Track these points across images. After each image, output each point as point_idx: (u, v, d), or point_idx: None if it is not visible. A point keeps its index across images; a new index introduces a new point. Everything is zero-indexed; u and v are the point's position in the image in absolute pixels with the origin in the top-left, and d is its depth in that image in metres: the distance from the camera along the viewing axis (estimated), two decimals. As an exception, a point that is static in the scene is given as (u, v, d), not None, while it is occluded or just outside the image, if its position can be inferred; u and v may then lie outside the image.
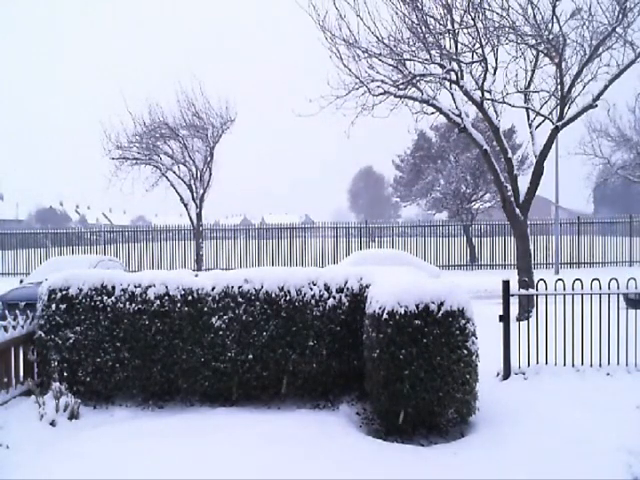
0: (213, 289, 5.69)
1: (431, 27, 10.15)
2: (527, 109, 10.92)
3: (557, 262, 21.87)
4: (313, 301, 5.60)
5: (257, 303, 5.61)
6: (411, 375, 4.64)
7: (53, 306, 5.68)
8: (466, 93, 10.41)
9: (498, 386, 6.04)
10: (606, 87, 10.14)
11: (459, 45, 10.27)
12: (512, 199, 10.74)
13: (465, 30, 10.17)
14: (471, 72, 10.49)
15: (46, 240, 25.94)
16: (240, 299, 5.63)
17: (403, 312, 4.66)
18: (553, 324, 6.44)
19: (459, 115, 10.77)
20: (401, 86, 10.62)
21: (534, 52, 10.46)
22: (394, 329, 4.66)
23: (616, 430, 4.65)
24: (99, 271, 6.21)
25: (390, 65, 10.60)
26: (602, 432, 4.61)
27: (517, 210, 10.72)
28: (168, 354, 5.61)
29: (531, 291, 7.03)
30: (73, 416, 5.20)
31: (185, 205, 21.65)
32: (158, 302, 5.63)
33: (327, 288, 5.66)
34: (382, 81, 10.63)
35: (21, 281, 12.07)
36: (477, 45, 10.12)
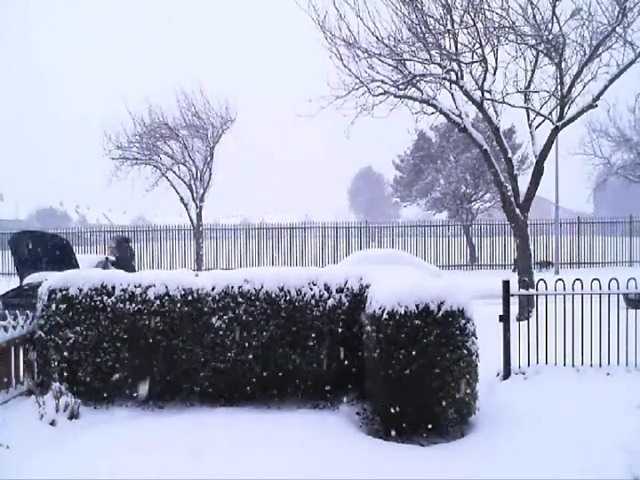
0: (213, 289, 5.69)
1: (431, 27, 10.15)
2: (527, 109, 10.92)
3: (557, 262, 21.87)
4: (313, 301, 5.60)
5: (257, 303, 5.60)
6: (411, 375, 4.64)
7: (53, 306, 5.67)
8: (466, 93, 10.41)
9: (498, 386, 6.04)
10: (606, 87, 10.14)
11: (459, 45, 10.27)
12: (512, 199, 10.74)
13: (465, 30, 10.18)
14: (471, 72, 10.49)
15: (46, 240, 25.87)
16: (240, 299, 5.63)
17: (403, 312, 4.66)
18: (553, 324, 6.44)
19: (459, 115, 10.77)
20: (401, 86, 10.63)
21: (534, 52, 10.47)
22: (394, 329, 4.66)
23: (616, 430, 4.65)
24: (99, 271, 6.21)
25: (390, 65, 10.61)
26: (602, 432, 4.61)
27: (517, 210, 10.72)
28: (168, 354, 5.61)
29: (531, 291, 7.03)
30: (73, 416, 5.20)
31: (185, 205, 21.67)
32: (158, 302, 5.62)
33: (327, 288, 5.66)
34: (382, 81, 10.65)
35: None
36: (477, 45, 10.13)
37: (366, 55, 10.48)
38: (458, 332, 4.71)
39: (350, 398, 5.62)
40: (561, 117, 10.59)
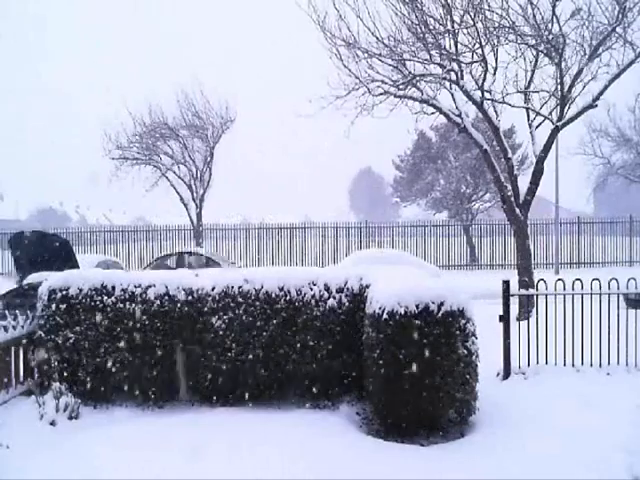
0: (213, 289, 5.69)
1: (431, 27, 10.17)
2: (527, 109, 10.92)
3: (557, 262, 21.87)
4: (313, 301, 5.60)
5: (257, 303, 5.60)
6: (411, 375, 4.64)
7: (53, 306, 5.67)
8: (466, 93, 10.41)
9: (498, 386, 6.04)
10: (606, 87, 10.14)
11: (459, 45, 10.28)
12: (512, 199, 10.74)
13: (465, 30, 10.18)
14: (471, 72, 10.50)
15: (46, 240, 25.84)
16: (240, 299, 5.63)
17: (403, 312, 4.66)
18: (553, 324, 6.43)
19: (459, 115, 10.77)
20: (401, 86, 10.64)
21: (534, 52, 10.47)
22: (394, 329, 4.67)
23: (616, 430, 4.65)
24: (99, 271, 6.21)
25: (390, 65, 10.62)
26: (602, 432, 4.61)
27: (517, 210, 10.72)
28: (168, 354, 5.61)
29: (531, 291, 7.03)
30: (73, 416, 5.20)
31: (185, 205, 21.68)
32: (158, 302, 5.63)
33: (327, 288, 5.66)
34: (382, 81, 10.66)
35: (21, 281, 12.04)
36: (477, 45, 10.13)
37: (366, 55, 10.49)
38: (458, 332, 4.71)
39: (350, 398, 5.62)
40: (561, 117, 10.59)
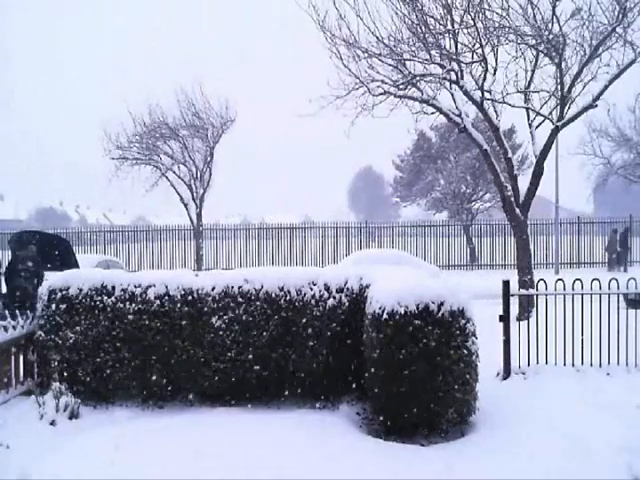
0: (213, 289, 5.69)
1: (431, 27, 10.17)
2: (527, 109, 10.92)
3: (557, 262, 21.87)
4: (313, 301, 5.60)
5: (257, 303, 5.60)
6: (411, 375, 4.64)
7: (53, 306, 5.67)
8: (466, 93, 10.41)
9: (498, 386, 6.04)
10: (606, 87, 10.13)
11: (459, 45, 10.27)
12: (512, 199, 10.74)
13: (465, 30, 10.18)
14: (471, 72, 10.49)
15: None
16: (240, 299, 5.63)
17: (403, 312, 4.66)
18: (553, 324, 6.43)
19: (459, 115, 10.77)
20: (401, 86, 10.64)
21: (534, 52, 10.47)
22: (394, 329, 4.66)
23: (616, 430, 4.65)
24: (99, 271, 6.21)
25: (390, 65, 10.62)
26: (602, 432, 4.61)
27: (517, 210, 10.71)
28: (168, 354, 5.61)
29: (531, 291, 7.02)
30: (73, 416, 5.20)
31: (185, 205, 21.69)
32: (158, 302, 5.62)
33: (327, 288, 5.66)
34: (382, 81, 10.66)
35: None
36: (477, 45, 10.13)
37: (366, 55, 10.49)
38: (458, 332, 4.71)
39: (350, 398, 5.61)
40: (561, 117, 10.58)
